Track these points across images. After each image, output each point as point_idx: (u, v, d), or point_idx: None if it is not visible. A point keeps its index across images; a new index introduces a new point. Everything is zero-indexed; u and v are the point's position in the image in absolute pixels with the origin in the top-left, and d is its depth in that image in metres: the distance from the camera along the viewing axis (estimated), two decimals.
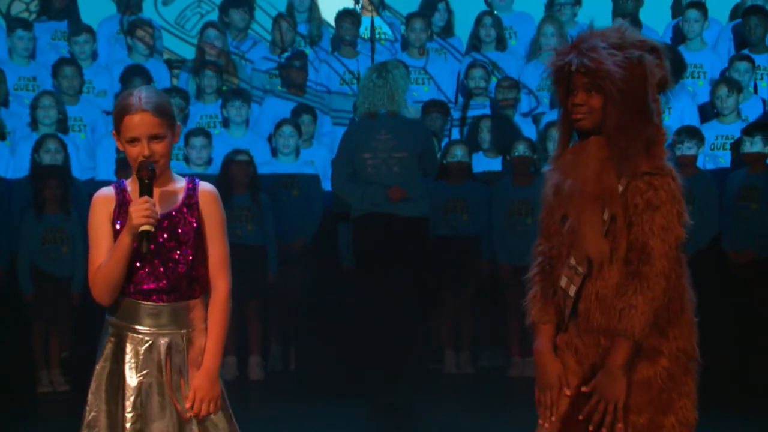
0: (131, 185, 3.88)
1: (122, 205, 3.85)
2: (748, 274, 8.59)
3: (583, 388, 3.72)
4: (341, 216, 8.67)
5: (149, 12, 11.14)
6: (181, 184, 3.93)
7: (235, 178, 8.80)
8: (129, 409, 3.83)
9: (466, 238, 9.06)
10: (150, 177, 3.77)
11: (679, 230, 3.66)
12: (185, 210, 3.88)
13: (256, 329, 8.96)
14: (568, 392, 3.75)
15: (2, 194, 8.91)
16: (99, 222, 3.86)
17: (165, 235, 3.84)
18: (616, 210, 3.67)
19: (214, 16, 10.80)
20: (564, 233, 3.75)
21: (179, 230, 3.86)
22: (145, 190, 3.76)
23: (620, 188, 3.68)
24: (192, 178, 3.97)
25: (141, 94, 3.82)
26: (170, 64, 10.70)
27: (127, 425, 3.82)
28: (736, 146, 9.22)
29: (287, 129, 9.28)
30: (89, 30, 10.17)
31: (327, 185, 9.17)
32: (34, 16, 10.98)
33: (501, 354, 9.03)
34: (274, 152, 9.40)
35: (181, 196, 3.90)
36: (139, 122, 3.79)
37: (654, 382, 3.71)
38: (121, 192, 3.88)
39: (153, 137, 3.80)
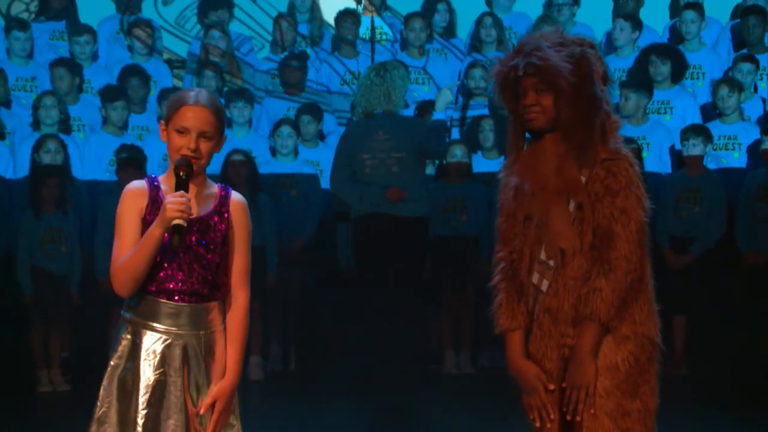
0: (165, 182, 3.89)
1: (154, 201, 3.85)
2: (765, 275, 8.55)
3: (563, 384, 3.76)
4: (341, 216, 8.67)
5: (149, 12, 11.15)
6: (213, 190, 3.95)
7: (231, 178, 8.80)
8: (143, 406, 3.83)
9: (466, 238, 9.06)
10: (187, 174, 3.78)
11: (639, 214, 3.73)
12: (216, 217, 3.90)
13: (256, 329, 8.96)
14: (551, 386, 3.79)
15: (2, 194, 8.91)
16: (128, 214, 3.85)
17: (194, 238, 3.84)
18: (582, 199, 3.74)
19: (213, 17, 10.80)
20: (529, 232, 3.81)
21: (208, 236, 3.87)
22: (182, 185, 3.76)
23: (583, 179, 3.75)
24: (225, 186, 3.99)
25: (201, 92, 3.88)
26: (170, 64, 10.70)
27: (140, 421, 3.82)
28: (754, 146, 9.22)
29: (286, 129, 9.29)
30: (90, 30, 10.18)
31: (326, 185, 9.17)
32: (33, 16, 10.98)
33: (501, 354, 8.99)
34: (273, 152, 9.41)
35: (213, 202, 3.91)
36: (195, 115, 3.82)
37: (621, 366, 3.75)
38: (153, 188, 3.88)
39: (203, 134, 3.83)
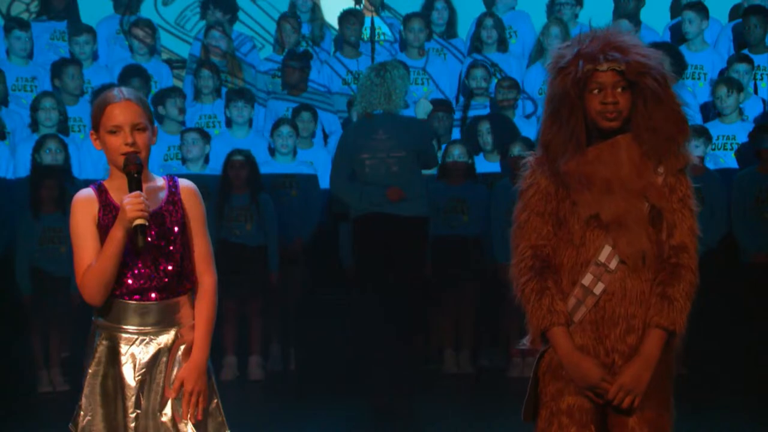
0: (110, 185, 3.88)
1: (106, 205, 3.84)
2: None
3: (605, 384, 3.69)
4: (341, 216, 8.67)
5: (149, 12, 11.15)
6: (160, 182, 3.94)
7: (232, 178, 8.80)
8: (131, 409, 3.83)
9: (467, 238, 9.06)
10: (138, 171, 3.77)
11: (698, 228, 3.73)
12: (170, 207, 3.89)
13: (257, 329, 8.96)
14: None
15: (2, 194, 8.91)
16: (83, 224, 3.83)
17: (153, 233, 3.83)
18: (661, 204, 3.69)
19: (213, 17, 10.81)
20: (587, 233, 3.70)
21: (166, 227, 3.86)
22: (134, 183, 3.75)
23: (659, 181, 3.71)
24: (170, 176, 3.98)
25: (122, 88, 3.88)
26: (170, 64, 10.70)
27: (131, 425, 3.82)
28: (744, 146, 9.22)
29: (285, 129, 9.28)
30: (90, 30, 10.18)
31: (325, 185, 9.18)
32: (33, 16, 10.98)
33: (501, 354, 9.02)
34: (272, 152, 9.40)
35: (163, 194, 3.91)
36: (122, 110, 3.81)
37: (664, 377, 3.73)
38: (102, 193, 3.87)
39: (135, 126, 3.82)
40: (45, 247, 8.60)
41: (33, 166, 8.81)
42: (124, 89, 3.89)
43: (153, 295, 3.84)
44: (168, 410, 3.85)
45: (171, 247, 3.86)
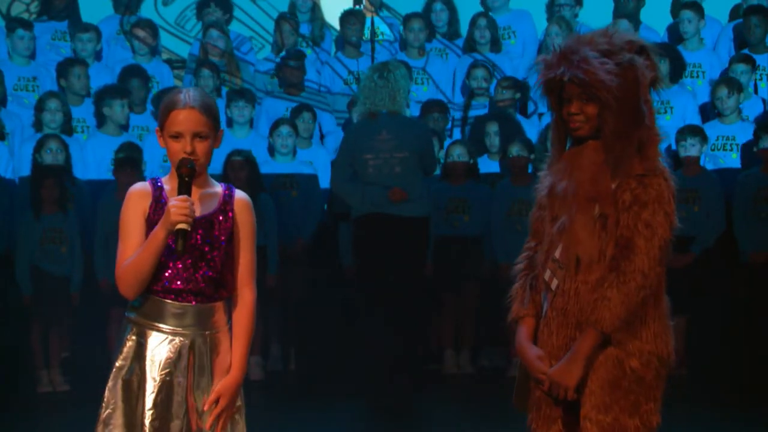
0: (168, 183, 3.89)
1: (158, 201, 3.85)
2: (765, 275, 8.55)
3: (540, 376, 3.74)
4: (341, 216, 8.67)
5: (149, 12, 11.15)
6: (217, 189, 3.95)
7: (231, 179, 8.79)
8: (149, 406, 3.82)
9: (468, 238, 9.06)
10: (190, 175, 3.78)
11: (665, 231, 3.69)
12: (220, 216, 3.90)
13: (257, 329, 8.94)
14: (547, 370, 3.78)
15: (2, 194, 8.91)
16: (132, 216, 3.85)
17: (199, 238, 3.84)
18: (608, 210, 3.71)
19: (210, 17, 10.81)
20: (553, 232, 3.78)
21: (213, 234, 3.87)
22: (185, 188, 3.77)
23: (613, 187, 3.72)
24: (229, 185, 3.99)
25: (189, 93, 3.87)
26: (170, 64, 10.70)
27: (146, 422, 3.81)
28: (748, 146, 9.21)
29: (285, 129, 9.28)
30: (95, 29, 10.17)
31: (325, 185, 9.18)
32: (34, 16, 10.98)
33: (501, 354, 9.02)
34: (272, 152, 9.40)
35: (217, 201, 3.91)
36: (185, 118, 3.82)
37: (621, 382, 3.72)
38: (157, 189, 3.88)
39: (197, 135, 3.83)
40: (45, 247, 8.60)
41: (34, 166, 8.81)
42: (191, 93, 3.87)
43: (189, 297, 3.84)
44: (184, 413, 3.85)
45: (213, 254, 3.86)
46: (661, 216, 3.67)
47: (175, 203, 3.72)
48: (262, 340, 9.00)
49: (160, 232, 3.75)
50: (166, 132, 3.85)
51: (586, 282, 3.72)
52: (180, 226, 3.71)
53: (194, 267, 3.85)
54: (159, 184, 3.90)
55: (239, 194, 3.97)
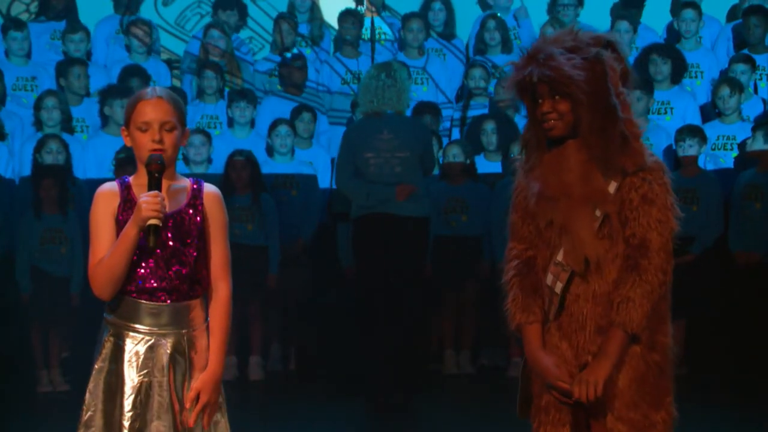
0: (135, 181, 3.89)
1: (126, 201, 3.85)
2: (755, 276, 8.53)
3: (564, 377, 3.71)
4: (340, 216, 8.67)
5: (148, 12, 11.16)
6: (185, 184, 3.94)
7: (233, 178, 8.80)
8: (128, 408, 3.81)
9: (466, 238, 9.05)
10: (159, 171, 3.77)
11: (674, 223, 3.70)
12: (190, 210, 3.89)
13: (257, 329, 8.96)
14: (567, 380, 3.73)
15: (2, 194, 8.91)
16: (102, 216, 3.85)
17: (169, 235, 3.83)
18: (609, 209, 3.69)
19: (221, 17, 10.81)
20: (550, 237, 3.75)
21: (184, 230, 3.86)
22: (154, 183, 3.76)
23: (613, 186, 3.70)
24: (197, 179, 3.98)
25: (156, 87, 3.94)
26: (170, 64, 10.70)
27: (126, 424, 3.81)
28: (741, 146, 9.22)
29: (283, 129, 9.28)
30: (84, 29, 10.17)
31: (324, 185, 9.17)
32: (33, 16, 10.98)
33: (501, 354, 9.02)
34: (270, 152, 9.39)
35: (186, 196, 3.90)
36: (153, 107, 3.83)
37: (647, 377, 3.72)
38: (125, 188, 3.88)
39: (164, 125, 3.82)
40: (45, 247, 8.60)
41: (34, 166, 8.81)
42: (158, 88, 3.92)
43: (164, 296, 3.83)
44: (169, 415, 3.84)
45: (186, 250, 3.85)
46: (669, 209, 3.69)
47: (146, 199, 3.71)
48: (262, 340, 9.00)
49: (131, 230, 3.74)
50: (133, 125, 3.85)
51: (602, 285, 3.70)
52: (151, 221, 3.70)
53: (167, 264, 3.83)
54: (126, 182, 3.90)
55: (208, 187, 3.96)
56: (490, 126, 9.48)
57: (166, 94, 3.88)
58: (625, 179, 3.68)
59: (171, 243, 3.83)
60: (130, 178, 3.91)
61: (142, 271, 3.83)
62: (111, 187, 3.90)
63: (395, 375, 7.84)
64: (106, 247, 3.80)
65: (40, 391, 8.51)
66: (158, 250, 3.79)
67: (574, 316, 3.73)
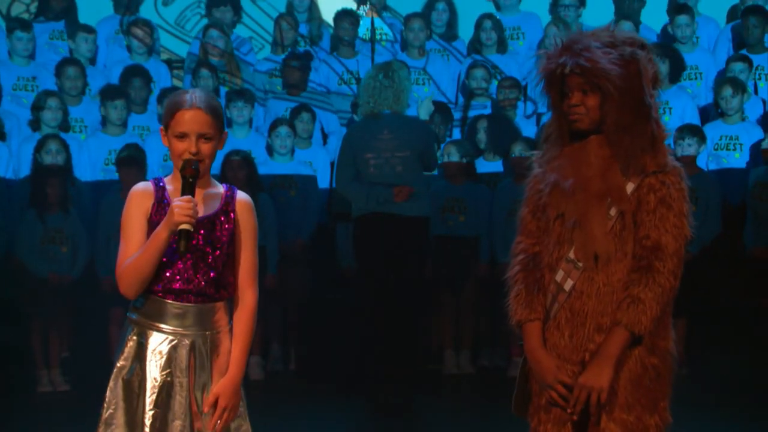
0: (170, 183, 3.90)
1: (160, 202, 3.86)
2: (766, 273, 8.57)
3: (564, 379, 3.70)
4: (340, 216, 8.67)
5: (149, 12, 11.15)
6: (219, 189, 3.96)
7: (229, 179, 8.79)
8: (150, 407, 3.83)
9: (465, 238, 9.04)
10: (194, 176, 3.79)
11: (688, 231, 3.70)
12: (222, 217, 3.90)
13: (257, 329, 8.94)
14: (568, 381, 3.73)
15: (2, 194, 8.91)
16: (134, 215, 3.86)
17: (200, 239, 3.85)
18: (625, 207, 3.69)
19: (217, 16, 10.81)
20: (561, 231, 3.75)
21: (214, 235, 3.87)
22: (188, 188, 3.77)
23: (631, 186, 3.69)
24: (230, 186, 4.00)
25: (195, 93, 3.88)
26: (170, 64, 10.70)
27: (147, 422, 3.82)
28: (755, 146, 9.24)
29: (283, 129, 9.28)
30: (92, 30, 10.17)
31: (324, 185, 9.17)
32: (33, 16, 10.98)
33: (501, 354, 9.02)
34: (270, 152, 9.40)
35: (219, 202, 3.92)
36: (191, 118, 3.82)
37: (643, 379, 3.72)
38: (159, 189, 3.89)
39: (201, 136, 3.83)
40: (46, 248, 8.60)
41: (34, 166, 8.81)
42: (197, 94, 3.88)
43: (190, 297, 3.85)
44: (185, 414, 3.85)
45: (215, 255, 3.87)
46: (684, 216, 3.69)
47: (179, 203, 3.72)
48: (262, 340, 9.00)
49: (162, 232, 3.75)
50: (170, 132, 3.86)
51: (607, 283, 3.69)
52: (183, 226, 3.72)
53: (195, 267, 3.85)
54: (161, 184, 3.90)
55: (241, 195, 3.97)
56: (482, 125, 9.50)
57: (205, 103, 3.85)
58: (644, 180, 3.68)
59: (201, 246, 3.85)
60: (165, 180, 3.93)
61: (170, 272, 3.84)
62: (146, 187, 3.91)
63: (395, 375, 7.84)
64: (137, 246, 3.82)
65: (40, 391, 8.52)
66: (188, 253, 3.80)
67: (576, 312, 3.73)
